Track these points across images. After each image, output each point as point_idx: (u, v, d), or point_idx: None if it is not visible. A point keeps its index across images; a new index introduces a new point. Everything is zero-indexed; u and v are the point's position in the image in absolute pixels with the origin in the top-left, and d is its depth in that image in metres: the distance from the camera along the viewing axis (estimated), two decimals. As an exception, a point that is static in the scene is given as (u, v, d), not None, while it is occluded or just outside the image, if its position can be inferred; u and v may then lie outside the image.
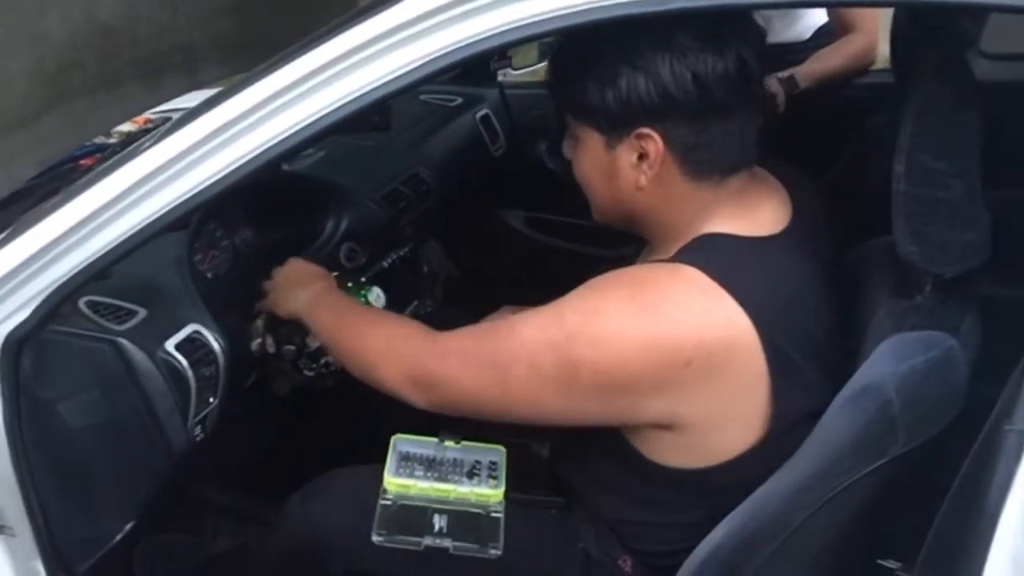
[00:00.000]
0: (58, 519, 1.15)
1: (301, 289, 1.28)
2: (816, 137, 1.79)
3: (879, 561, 0.95)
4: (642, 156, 1.00)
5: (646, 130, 0.98)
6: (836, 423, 0.96)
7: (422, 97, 2.09)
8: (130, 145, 1.59)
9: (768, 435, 0.99)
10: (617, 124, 1.00)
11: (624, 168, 1.02)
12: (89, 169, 1.55)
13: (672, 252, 1.02)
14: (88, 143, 1.71)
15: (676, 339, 0.94)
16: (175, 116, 1.82)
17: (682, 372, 0.94)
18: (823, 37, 2.06)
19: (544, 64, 2.34)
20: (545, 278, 2.06)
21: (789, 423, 0.98)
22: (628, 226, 1.11)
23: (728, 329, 0.94)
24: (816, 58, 2.01)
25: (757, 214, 1.04)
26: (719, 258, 0.98)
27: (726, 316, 0.94)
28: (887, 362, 0.94)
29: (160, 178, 1.02)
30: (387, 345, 1.11)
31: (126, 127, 1.87)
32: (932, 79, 1.03)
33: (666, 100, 0.96)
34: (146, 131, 1.73)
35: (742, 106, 0.99)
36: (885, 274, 1.10)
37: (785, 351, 0.97)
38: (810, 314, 1.02)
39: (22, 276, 1.05)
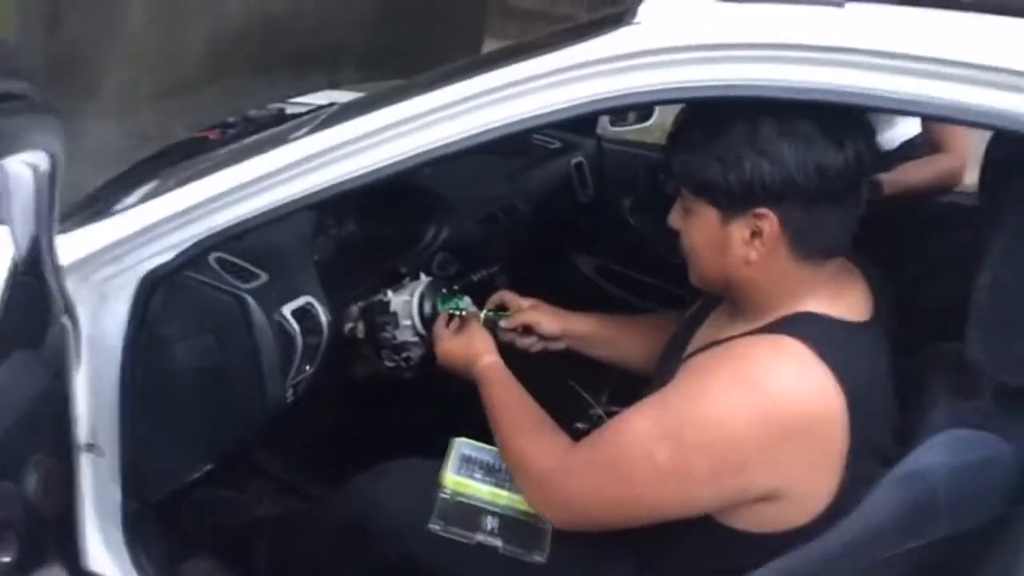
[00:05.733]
0: (146, 447, 1.25)
1: (474, 362, 1.32)
2: (888, 243, 1.86)
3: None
4: (755, 233, 1.06)
5: (763, 210, 1.05)
6: (882, 499, 1.02)
7: (526, 135, 2.21)
8: (251, 129, 1.72)
9: (841, 498, 1.05)
10: (736, 202, 1.06)
11: (736, 243, 1.08)
12: (210, 143, 1.67)
13: (765, 323, 1.09)
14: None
15: (781, 412, 1.01)
16: (293, 110, 1.96)
17: (787, 444, 1.01)
18: (909, 149, 2.15)
19: (640, 126, 2.46)
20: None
21: (860, 490, 1.05)
22: (725, 293, 1.18)
23: (825, 402, 1.02)
24: (903, 169, 2.08)
25: (848, 298, 1.12)
26: (819, 334, 1.05)
27: (824, 390, 1.02)
28: (940, 452, 1.01)
29: (313, 163, 1.14)
30: (523, 455, 1.19)
31: (254, 112, 1.99)
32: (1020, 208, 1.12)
33: (787, 185, 1.03)
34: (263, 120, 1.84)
35: (852, 196, 1.07)
36: (946, 376, 1.18)
37: (866, 430, 1.04)
38: (889, 401, 1.10)
39: (171, 225, 1.17)
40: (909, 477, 1.02)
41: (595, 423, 1.51)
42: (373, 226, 1.60)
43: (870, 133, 1.09)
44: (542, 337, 1.47)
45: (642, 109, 2.21)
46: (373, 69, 1.73)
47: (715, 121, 1.06)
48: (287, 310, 1.22)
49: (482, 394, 1.28)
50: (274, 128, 1.48)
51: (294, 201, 1.16)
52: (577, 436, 1.27)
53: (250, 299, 1.18)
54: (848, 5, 0.99)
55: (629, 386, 1.61)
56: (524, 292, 2.22)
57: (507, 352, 1.50)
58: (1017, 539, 0.95)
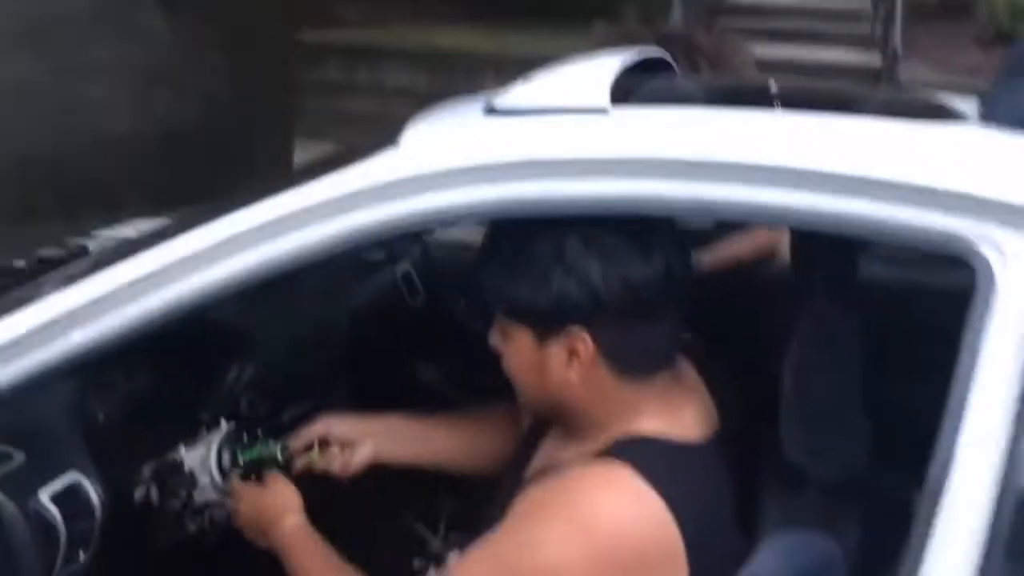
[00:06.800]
0: None
1: (273, 526, 1.22)
2: (716, 320, 1.87)
3: None
4: (572, 354, 1.02)
5: (577, 330, 1.00)
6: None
7: (344, 249, 2.12)
8: (42, 270, 1.56)
9: None
10: (548, 323, 1.02)
11: (554, 364, 1.03)
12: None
13: (598, 446, 1.04)
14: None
15: (616, 551, 0.95)
16: (91, 244, 1.81)
17: None
18: (730, 225, 2.19)
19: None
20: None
21: None
22: (553, 415, 1.12)
23: (661, 536, 0.96)
24: (726, 245, 2.14)
25: (682, 414, 1.07)
26: (651, 462, 0.99)
27: (659, 523, 0.96)
28: (771, 562, 0.96)
29: (67, 322, 1.01)
30: None
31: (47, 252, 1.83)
32: (819, 296, 1.12)
33: (596, 302, 0.99)
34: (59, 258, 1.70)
35: (668, 307, 1.03)
36: (776, 469, 1.14)
37: (706, 557, 0.98)
38: (728, 521, 1.04)
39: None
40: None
41: (432, 559, 1.40)
42: (169, 372, 1.45)
43: (678, 242, 1.05)
44: (343, 447, 1.34)
45: (421, 232, 2.15)
46: (159, 203, 1.61)
47: (521, 239, 1.01)
48: (45, 495, 1.06)
49: (285, 565, 1.16)
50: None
51: (49, 368, 1.03)
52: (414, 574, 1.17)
53: (-5, 491, 1.01)
54: (613, 111, 0.96)
55: (465, 508, 1.51)
56: (366, 410, 2.12)
57: (335, 489, 1.38)
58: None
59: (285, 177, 1.09)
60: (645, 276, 0.99)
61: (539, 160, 0.91)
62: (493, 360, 2.22)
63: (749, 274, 2.08)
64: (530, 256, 1.00)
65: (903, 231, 0.85)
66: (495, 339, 1.10)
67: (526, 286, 1.01)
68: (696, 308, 1.78)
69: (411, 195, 0.92)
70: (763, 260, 2.10)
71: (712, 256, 2.09)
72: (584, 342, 1.01)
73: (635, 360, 1.03)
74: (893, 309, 1.39)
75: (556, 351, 1.03)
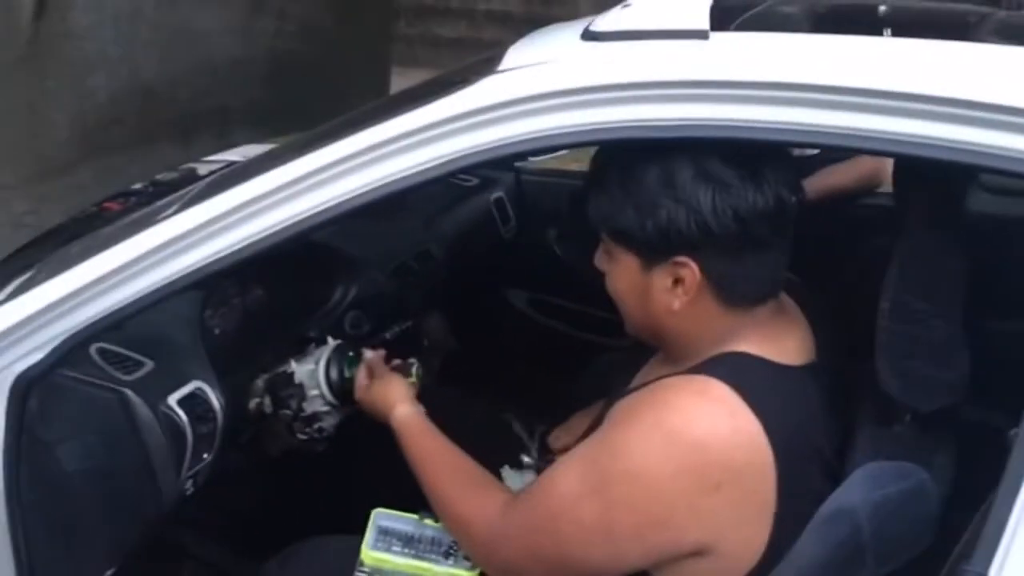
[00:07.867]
0: (41, 559, 1.17)
1: (387, 416, 1.28)
2: (818, 251, 1.84)
3: None
4: (677, 281, 1.02)
5: (683, 259, 1.00)
6: (809, 543, 0.98)
7: (440, 175, 2.15)
8: (159, 192, 1.66)
9: (776, 548, 1.00)
10: (655, 250, 1.01)
11: (658, 291, 1.03)
12: (113, 214, 1.61)
13: (694, 364, 1.04)
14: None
15: (704, 462, 0.96)
16: (200, 169, 1.90)
17: (713, 496, 0.96)
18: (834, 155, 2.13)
19: (559, 153, 2.43)
20: (545, 359, 2.10)
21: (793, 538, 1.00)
22: (653, 337, 1.12)
23: (751, 450, 0.97)
24: (827, 172, 2.08)
25: (783, 343, 1.07)
26: (747, 377, 0.99)
27: (751, 438, 0.96)
28: (861, 488, 0.97)
29: (186, 242, 1.07)
30: (459, 519, 1.16)
31: (163, 176, 1.92)
32: (922, 224, 1.09)
33: (705, 233, 0.98)
34: (174, 182, 1.78)
35: (777, 240, 1.02)
36: (869, 400, 1.14)
37: (795, 476, 0.99)
38: (820, 444, 1.04)
39: (41, 321, 1.10)
40: (832, 517, 0.98)
41: (523, 469, 1.46)
42: (279, 291, 1.54)
43: (789, 173, 1.02)
44: None
45: (521, 159, 2.15)
46: (265, 127, 1.67)
47: (631, 165, 1.01)
48: (173, 400, 1.15)
49: (401, 447, 1.23)
50: (160, 200, 1.42)
51: (170, 283, 1.10)
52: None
53: (131, 394, 1.11)
54: (713, 36, 0.95)
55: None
56: (458, 333, 2.19)
57: (440, 382, 1.45)
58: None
59: (384, 101, 1.12)
60: (756, 208, 0.97)
61: (639, 84, 0.91)
62: (580, 288, 2.26)
63: (852, 204, 2.03)
64: (639, 182, 0.99)
65: (1009, 159, 0.83)
66: (599, 260, 1.10)
67: (634, 213, 1.00)
68: (798, 239, 1.77)
69: (511, 120, 0.94)
70: (866, 189, 2.05)
71: (814, 185, 2.04)
72: (690, 270, 1.00)
73: (741, 290, 1.03)
74: (1003, 242, 1.35)
75: (661, 277, 1.02)
